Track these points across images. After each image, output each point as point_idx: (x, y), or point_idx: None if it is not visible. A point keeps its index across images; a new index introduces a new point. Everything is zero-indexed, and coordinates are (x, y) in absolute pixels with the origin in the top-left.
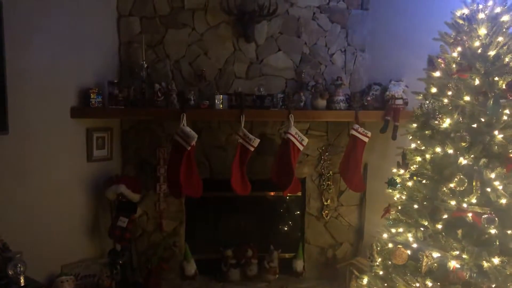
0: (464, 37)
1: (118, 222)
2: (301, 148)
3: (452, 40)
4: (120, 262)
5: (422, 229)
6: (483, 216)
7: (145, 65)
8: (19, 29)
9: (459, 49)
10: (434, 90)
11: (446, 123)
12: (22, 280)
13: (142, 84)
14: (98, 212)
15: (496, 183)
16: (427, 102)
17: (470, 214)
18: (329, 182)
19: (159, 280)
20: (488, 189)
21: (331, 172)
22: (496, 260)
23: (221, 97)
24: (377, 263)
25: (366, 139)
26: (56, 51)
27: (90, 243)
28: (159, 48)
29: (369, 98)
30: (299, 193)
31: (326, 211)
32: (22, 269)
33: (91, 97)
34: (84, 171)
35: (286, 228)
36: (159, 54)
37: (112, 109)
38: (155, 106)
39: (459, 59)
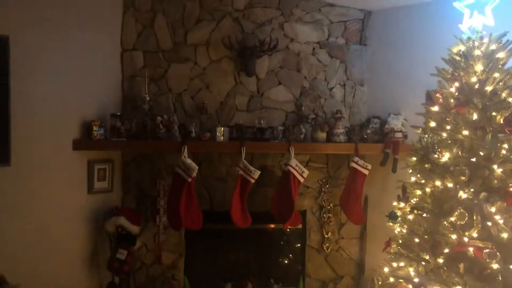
0: (461, 73)
1: (117, 255)
2: (301, 180)
3: (449, 76)
4: None
5: (423, 263)
6: (484, 251)
7: (148, 98)
8: (24, 62)
9: (456, 84)
10: (433, 124)
11: (446, 157)
12: None
13: (144, 116)
14: (97, 244)
15: (497, 217)
16: (426, 136)
17: (471, 249)
18: (329, 215)
19: None
20: (489, 223)
21: (331, 205)
22: None
23: (222, 129)
24: None
25: (366, 172)
26: (60, 84)
27: (89, 275)
28: (161, 82)
29: (368, 131)
30: (300, 226)
31: (327, 244)
32: None
33: (94, 129)
34: (84, 203)
35: (286, 261)
36: (162, 88)
37: (114, 142)
38: (157, 138)
39: (457, 94)
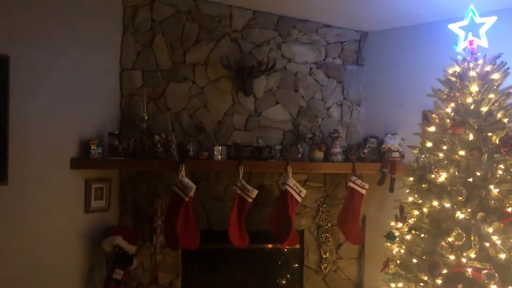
0: (457, 94)
1: (114, 275)
2: (299, 199)
3: (445, 96)
4: None
5: (422, 284)
6: (483, 272)
7: (146, 117)
8: (23, 81)
9: (452, 105)
10: (429, 144)
11: (442, 177)
12: None
13: (142, 135)
14: (93, 264)
15: (494, 237)
16: (423, 156)
17: (469, 270)
18: (327, 235)
19: None
20: (487, 244)
21: (329, 224)
22: None
23: (220, 148)
24: None
25: (363, 191)
26: (59, 103)
27: None
28: (160, 101)
29: (365, 151)
30: (298, 246)
31: (325, 264)
32: None
33: (91, 148)
34: (81, 222)
35: (284, 281)
36: (160, 107)
37: (112, 160)
38: (155, 157)
39: (452, 114)
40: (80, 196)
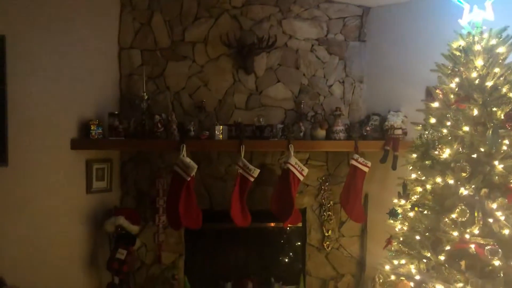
0: (461, 68)
1: (117, 255)
2: (301, 178)
3: (449, 71)
4: None
5: (424, 260)
6: (486, 248)
7: (146, 97)
8: (21, 61)
9: (456, 80)
10: (433, 120)
11: (446, 153)
12: None
13: (142, 115)
14: (96, 245)
15: (498, 213)
16: (426, 132)
17: (473, 246)
18: (329, 213)
19: None
20: (490, 220)
21: (331, 202)
22: None
23: (221, 128)
24: None
25: (366, 169)
26: (57, 83)
27: (88, 276)
28: (159, 80)
29: (368, 128)
30: (300, 224)
31: (327, 242)
32: None
33: (92, 128)
34: (83, 203)
35: (286, 260)
36: (160, 86)
37: (112, 141)
38: (155, 137)
39: (457, 90)
40: (82, 177)
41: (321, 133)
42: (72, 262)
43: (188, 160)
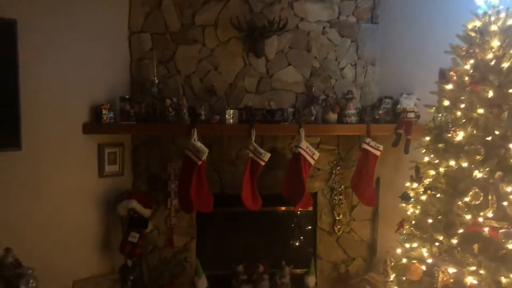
0: (477, 50)
1: (129, 238)
2: (312, 162)
3: (464, 53)
4: (131, 278)
5: (437, 244)
6: (500, 231)
7: (156, 81)
8: (32, 46)
9: (471, 61)
10: (446, 103)
11: (460, 136)
12: None
13: (153, 99)
14: (109, 228)
15: None
16: (440, 115)
17: (486, 229)
18: (341, 197)
19: None
20: (505, 203)
21: (343, 186)
22: None
23: (231, 112)
24: (391, 279)
25: (378, 153)
26: (68, 67)
27: (101, 258)
28: (170, 64)
29: (380, 112)
30: (311, 208)
31: (338, 226)
32: (34, 284)
33: (103, 113)
34: (95, 186)
35: (297, 244)
36: (170, 70)
37: (123, 125)
38: (166, 122)
39: (471, 71)
40: (94, 161)
41: (333, 116)
42: (85, 245)
43: (199, 144)
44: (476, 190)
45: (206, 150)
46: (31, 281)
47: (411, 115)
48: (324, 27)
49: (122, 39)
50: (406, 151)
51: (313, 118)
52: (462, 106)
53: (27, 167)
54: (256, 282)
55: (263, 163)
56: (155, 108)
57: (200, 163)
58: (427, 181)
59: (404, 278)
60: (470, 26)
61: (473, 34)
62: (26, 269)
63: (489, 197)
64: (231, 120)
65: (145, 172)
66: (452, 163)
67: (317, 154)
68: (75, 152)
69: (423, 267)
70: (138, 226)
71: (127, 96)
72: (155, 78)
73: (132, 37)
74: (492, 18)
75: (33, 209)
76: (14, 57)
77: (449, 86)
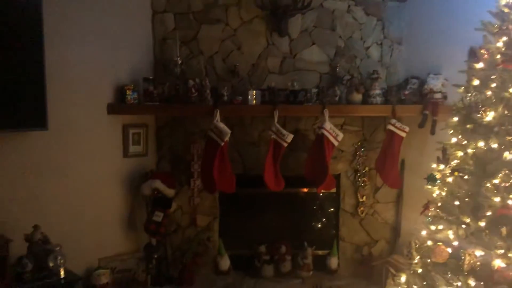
0: (510, 26)
1: (154, 217)
2: (335, 143)
3: (496, 30)
4: (155, 256)
5: (463, 226)
6: None
7: (179, 62)
8: (57, 26)
9: (504, 38)
10: (476, 82)
11: (490, 116)
12: (62, 272)
13: (176, 80)
14: (134, 207)
15: None
16: (469, 95)
17: None
18: (364, 179)
19: (193, 275)
20: None
21: (366, 168)
22: None
23: (254, 93)
24: (416, 261)
25: (403, 134)
26: (92, 48)
27: (126, 237)
28: (193, 44)
29: (406, 92)
30: (334, 190)
31: (362, 208)
32: (62, 261)
33: (127, 93)
34: (120, 166)
35: (320, 225)
36: (193, 50)
37: (147, 106)
38: (189, 102)
39: (504, 49)
40: (118, 141)
41: (357, 97)
42: (111, 223)
43: (221, 125)
44: (506, 171)
45: (229, 131)
46: (59, 257)
47: (438, 95)
48: (349, 5)
49: (145, 19)
50: (432, 132)
51: (337, 98)
52: (493, 85)
53: (54, 147)
54: (278, 262)
55: (285, 145)
56: (178, 89)
57: (222, 144)
58: (454, 162)
59: (429, 260)
60: (503, 1)
61: (506, 10)
62: (54, 245)
63: None
64: (254, 101)
65: (169, 153)
66: (481, 144)
67: (341, 136)
68: (101, 132)
69: (449, 250)
70: (162, 206)
71: (151, 77)
72: (178, 58)
73: (155, 17)
74: None
75: (60, 188)
76: (39, 36)
77: (480, 65)
